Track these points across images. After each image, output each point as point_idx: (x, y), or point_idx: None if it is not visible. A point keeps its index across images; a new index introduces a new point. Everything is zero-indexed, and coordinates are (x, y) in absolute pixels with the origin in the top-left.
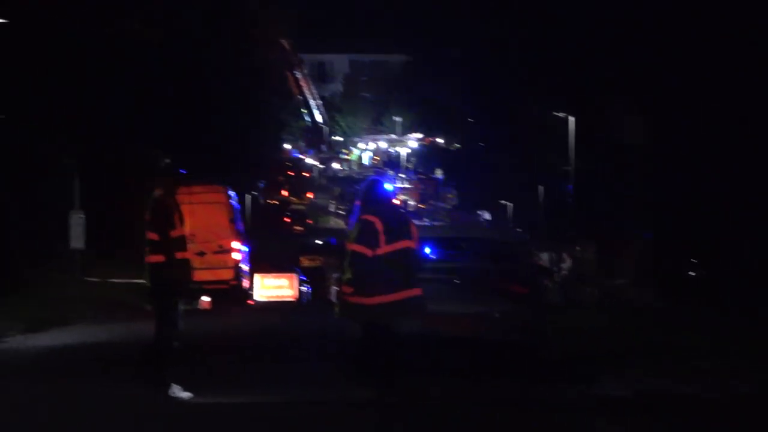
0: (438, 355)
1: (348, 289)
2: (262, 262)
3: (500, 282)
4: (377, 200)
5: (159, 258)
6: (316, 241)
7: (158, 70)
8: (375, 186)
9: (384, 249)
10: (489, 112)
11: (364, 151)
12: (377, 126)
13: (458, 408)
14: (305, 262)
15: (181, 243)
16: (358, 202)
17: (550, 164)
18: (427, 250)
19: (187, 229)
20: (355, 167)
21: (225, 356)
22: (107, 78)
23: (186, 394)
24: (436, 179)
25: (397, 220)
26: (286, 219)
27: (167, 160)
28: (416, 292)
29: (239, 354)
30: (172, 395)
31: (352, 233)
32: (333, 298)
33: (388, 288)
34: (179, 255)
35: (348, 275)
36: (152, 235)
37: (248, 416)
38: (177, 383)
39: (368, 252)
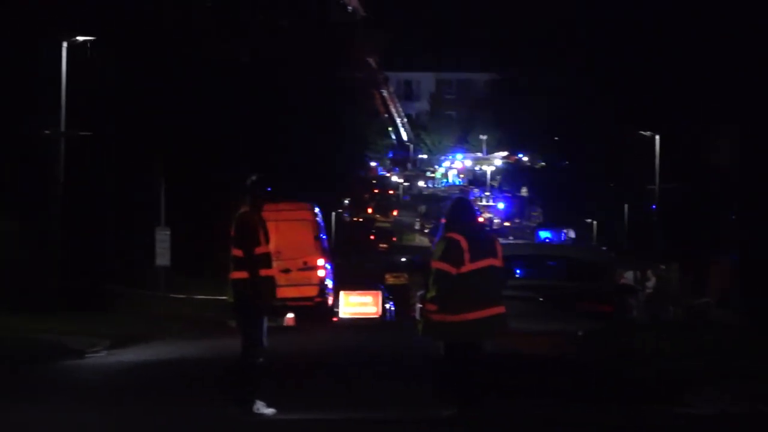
0: (520, 373)
1: (432, 307)
2: (346, 279)
3: (584, 300)
4: (462, 218)
5: (243, 275)
6: (401, 259)
7: (246, 89)
8: (460, 204)
9: (468, 267)
10: (575, 131)
11: (450, 169)
12: (462, 144)
13: (540, 429)
14: (390, 279)
15: (266, 260)
16: (443, 220)
17: (636, 183)
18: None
19: (272, 246)
20: (439, 185)
21: (310, 373)
22: (197, 97)
23: (270, 411)
24: (521, 197)
25: (482, 238)
26: (371, 236)
27: (253, 178)
28: (500, 309)
29: (324, 371)
30: (256, 411)
31: (436, 251)
32: (417, 315)
33: (472, 306)
34: (264, 272)
35: (432, 293)
36: (237, 252)
37: None
38: (261, 399)
39: (452, 270)
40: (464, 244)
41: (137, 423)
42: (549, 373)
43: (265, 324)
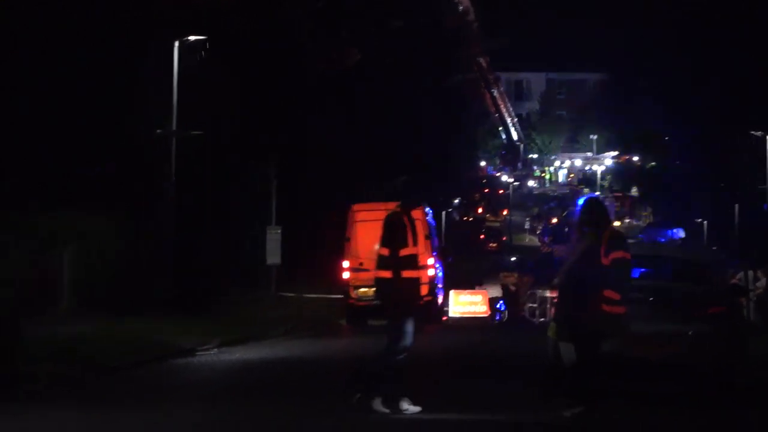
0: (629, 376)
1: (616, 296)
2: (456, 279)
3: (695, 301)
4: (599, 217)
5: (386, 274)
6: (511, 259)
7: (359, 90)
8: (593, 204)
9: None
10: (685, 131)
11: (560, 168)
12: (573, 144)
13: None
14: (507, 279)
15: (412, 261)
16: (575, 219)
17: (747, 183)
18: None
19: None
20: (549, 185)
21: (434, 372)
22: (309, 97)
23: (415, 408)
24: (632, 197)
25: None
26: (480, 236)
27: (404, 178)
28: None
29: (441, 371)
30: (403, 410)
31: (616, 245)
32: (527, 315)
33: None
34: (407, 273)
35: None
36: (383, 251)
37: None
38: (406, 397)
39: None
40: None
41: (245, 426)
42: (658, 377)
43: (411, 324)
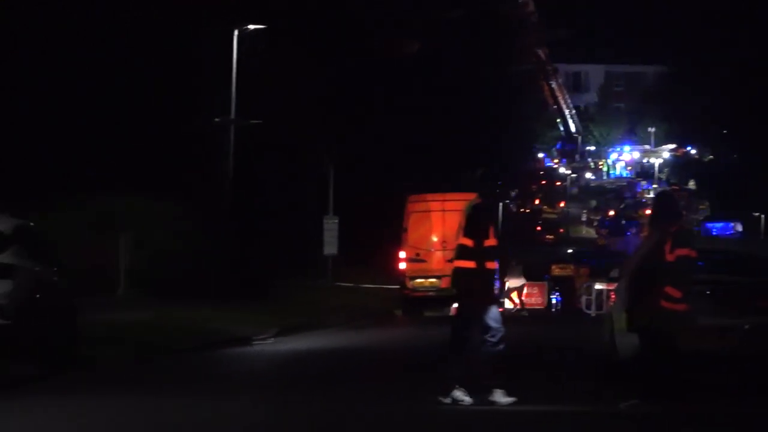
0: (686, 368)
1: (677, 294)
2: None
3: (751, 294)
4: (670, 212)
5: (470, 264)
6: (568, 251)
7: (415, 80)
8: (664, 197)
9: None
10: (744, 124)
11: (617, 161)
12: (630, 136)
13: (711, 428)
14: (556, 270)
15: (495, 252)
16: (648, 213)
17: None
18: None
19: (440, 235)
20: (607, 177)
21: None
22: (366, 87)
23: (509, 399)
24: (689, 190)
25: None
26: (537, 227)
27: (482, 170)
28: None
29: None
30: (495, 400)
31: (684, 240)
32: (583, 306)
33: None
34: (490, 264)
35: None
36: (466, 241)
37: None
38: (500, 388)
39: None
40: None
41: (310, 413)
42: (713, 369)
43: (496, 311)
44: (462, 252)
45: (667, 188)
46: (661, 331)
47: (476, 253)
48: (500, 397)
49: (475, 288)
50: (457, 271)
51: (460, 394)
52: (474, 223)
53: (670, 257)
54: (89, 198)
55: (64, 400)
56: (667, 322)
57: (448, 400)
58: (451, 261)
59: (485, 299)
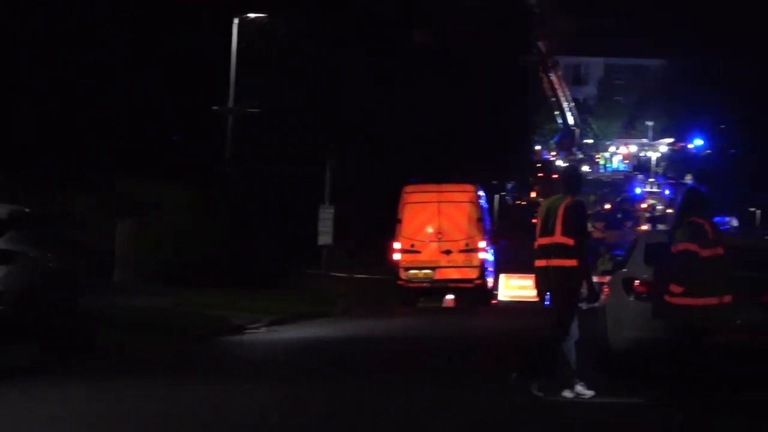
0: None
1: (678, 289)
2: (507, 262)
3: (752, 290)
4: (702, 206)
5: (572, 263)
6: None
7: (427, 69)
8: (695, 193)
9: (710, 251)
10: (743, 119)
11: (615, 154)
12: (629, 130)
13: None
14: None
15: (586, 251)
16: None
17: None
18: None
19: (436, 226)
20: (604, 170)
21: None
22: (368, 77)
23: (589, 392)
24: (686, 184)
25: (715, 227)
26: (533, 220)
27: (573, 165)
28: (728, 298)
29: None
30: (575, 393)
31: (679, 235)
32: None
33: (713, 291)
34: (584, 262)
35: (680, 275)
36: (566, 240)
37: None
38: (582, 381)
39: (701, 251)
40: (708, 227)
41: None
42: (719, 362)
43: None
44: (561, 250)
45: (691, 184)
46: (672, 325)
47: (576, 251)
48: (583, 390)
49: (579, 286)
50: (560, 270)
51: (581, 388)
52: (574, 221)
53: (711, 252)
54: (96, 182)
55: (64, 386)
56: (673, 317)
57: (570, 395)
58: (542, 258)
59: (591, 296)
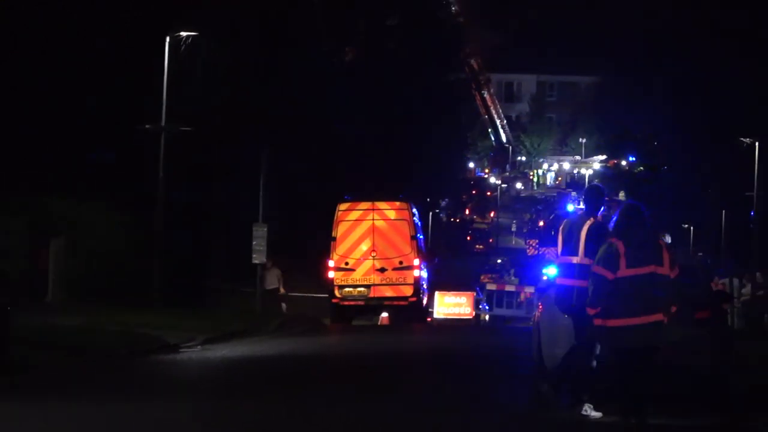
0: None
1: (591, 311)
2: (442, 280)
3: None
4: (629, 224)
5: (582, 283)
6: (497, 261)
7: (356, 89)
8: (629, 211)
9: (624, 272)
10: (675, 137)
11: (548, 171)
12: (562, 147)
13: None
14: (485, 280)
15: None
16: (611, 228)
17: (734, 190)
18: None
19: (370, 244)
20: (537, 188)
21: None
22: (305, 95)
23: (596, 414)
24: (619, 201)
25: (648, 246)
26: (467, 237)
27: (597, 184)
28: (656, 317)
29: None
30: (584, 413)
31: (598, 255)
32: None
33: (627, 312)
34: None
35: (592, 297)
36: (586, 261)
37: None
38: (590, 402)
39: (609, 275)
40: (621, 249)
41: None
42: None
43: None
44: (582, 272)
45: (634, 202)
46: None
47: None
48: (591, 411)
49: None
50: (581, 290)
51: (588, 408)
52: (595, 242)
53: (628, 272)
54: (24, 202)
55: None
56: (601, 339)
57: (585, 413)
58: (566, 278)
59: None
